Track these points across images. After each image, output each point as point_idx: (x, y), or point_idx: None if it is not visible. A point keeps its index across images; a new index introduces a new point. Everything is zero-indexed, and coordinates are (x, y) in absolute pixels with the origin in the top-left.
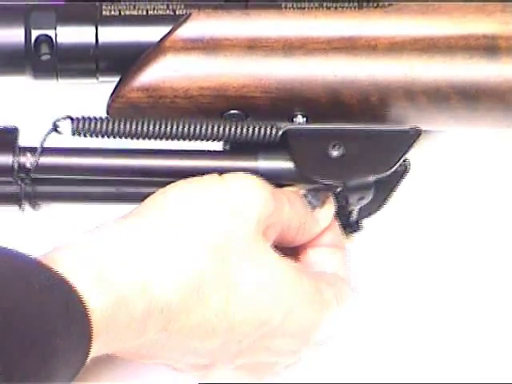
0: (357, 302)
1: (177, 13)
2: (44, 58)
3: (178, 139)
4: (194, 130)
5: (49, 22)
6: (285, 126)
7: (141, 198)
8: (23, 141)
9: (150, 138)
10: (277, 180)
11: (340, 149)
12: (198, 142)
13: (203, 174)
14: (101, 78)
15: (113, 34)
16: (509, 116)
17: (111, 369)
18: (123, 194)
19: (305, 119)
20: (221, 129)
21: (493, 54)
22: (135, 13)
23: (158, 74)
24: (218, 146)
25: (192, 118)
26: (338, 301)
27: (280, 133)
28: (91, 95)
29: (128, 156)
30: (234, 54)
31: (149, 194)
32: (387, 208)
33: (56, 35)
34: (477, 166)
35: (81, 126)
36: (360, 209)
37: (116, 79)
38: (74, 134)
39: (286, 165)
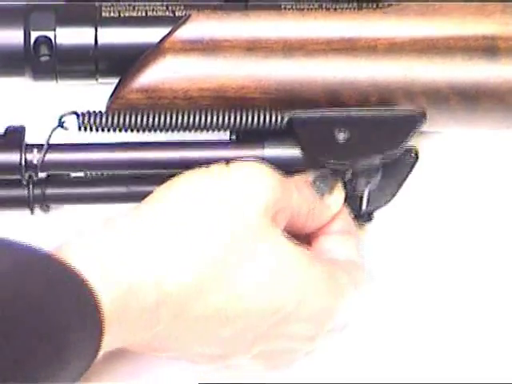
0: (371, 288)
1: (176, 14)
2: (43, 59)
3: (185, 130)
4: (200, 120)
5: (48, 24)
6: (290, 113)
7: None
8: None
9: (156, 131)
10: (285, 167)
11: (346, 133)
12: (205, 132)
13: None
14: (100, 79)
15: (112, 36)
16: (508, 117)
17: (123, 363)
18: (134, 194)
19: None
20: (226, 118)
21: (492, 55)
22: (134, 14)
23: (158, 75)
24: (224, 137)
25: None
26: (353, 285)
27: (285, 120)
28: (90, 96)
29: (135, 149)
30: (233, 55)
31: None
32: (397, 199)
33: (55, 36)
34: (477, 164)
35: (86, 120)
36: (370, 198)
37: (115, 80)
38: (80, 129)
39: (293, 152)
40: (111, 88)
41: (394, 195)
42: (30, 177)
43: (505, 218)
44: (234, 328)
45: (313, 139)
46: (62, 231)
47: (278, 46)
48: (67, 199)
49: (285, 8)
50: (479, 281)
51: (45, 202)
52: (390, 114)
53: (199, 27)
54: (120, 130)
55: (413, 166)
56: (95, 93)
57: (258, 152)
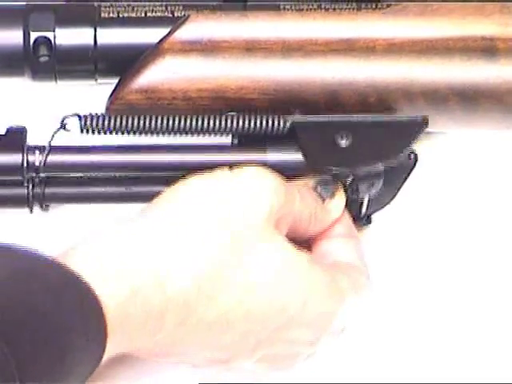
0: (372, 291)
1: (175, 15)
2: (43, 59)
3: (187, 134)
4: (202, 123)
5: (47, 24)
6: (292, 117)
7: (150, 197)
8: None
9: (158, 134)
10: (287, 172)
11: (348, 138)
12: (207, 136)
13: (213, 169)
14: (99, 80)
15: (111, 36)
16: (507, 117)
17: (125, 367)
18: (133, 194)
19: None
20: (229, 122)
21: (491, 56)
22: (134, 15)
23: (157, 75)
24: (225, 141)
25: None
26: (353, 289)
27: (288, 125)
28: (90, 97)
29: (136, 152)
30: (232, 56)
31: (158, 193)
32: (396, 202)
33: (55, 37)
34: (477, 165)
35: (89, 122)
36: (370, 202)
37: (115, 81)
38: (82, 131)
39: (295, 156)
40: (110, 88)
41: (392, 198)
42: (31, 178)
43: (505, 220)
44: (237, 332)
45: (315, 144)
46: (61, 230)
47: (276, 46)
48: (67, 199)
49: (284, 8)
50: (479, 283)
51: (44, 202)
52: (392, 119)
53: (198, 28)
54: (123, 133)
55: (411, 169)
56: (94, 93)
57: (261, 156)
